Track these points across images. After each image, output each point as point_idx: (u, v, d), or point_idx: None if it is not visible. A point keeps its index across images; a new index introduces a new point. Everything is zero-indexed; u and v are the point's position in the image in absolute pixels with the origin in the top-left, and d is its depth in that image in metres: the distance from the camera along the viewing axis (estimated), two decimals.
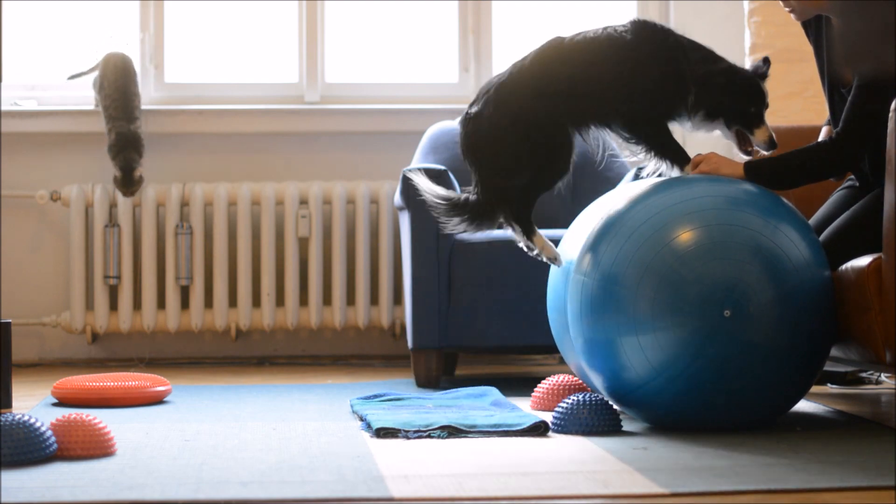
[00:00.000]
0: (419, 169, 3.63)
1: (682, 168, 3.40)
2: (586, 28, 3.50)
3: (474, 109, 3.41)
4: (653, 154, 3.41)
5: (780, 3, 3.52)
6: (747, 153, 3.41)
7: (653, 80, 3.38)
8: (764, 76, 3.44)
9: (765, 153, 3.41)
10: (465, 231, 3.45)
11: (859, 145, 3.33)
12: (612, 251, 3.21)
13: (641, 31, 3.43)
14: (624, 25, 3.46)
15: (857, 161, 3.40)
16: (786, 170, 3.38)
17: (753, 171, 3.36)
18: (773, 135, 3.40)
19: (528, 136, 3.35)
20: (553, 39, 3.45)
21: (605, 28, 3.47)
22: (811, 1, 3.43)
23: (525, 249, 3.47)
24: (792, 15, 3.52)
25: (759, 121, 3.40)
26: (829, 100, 3.54)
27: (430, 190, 3.45)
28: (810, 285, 3.17)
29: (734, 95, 3.38)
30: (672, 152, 3.40)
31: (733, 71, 3.42)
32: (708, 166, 3.38)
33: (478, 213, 3.40)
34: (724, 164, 3.38)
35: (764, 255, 3.14)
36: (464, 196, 3.43)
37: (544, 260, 3.45)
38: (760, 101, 3.40)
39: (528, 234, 3.43)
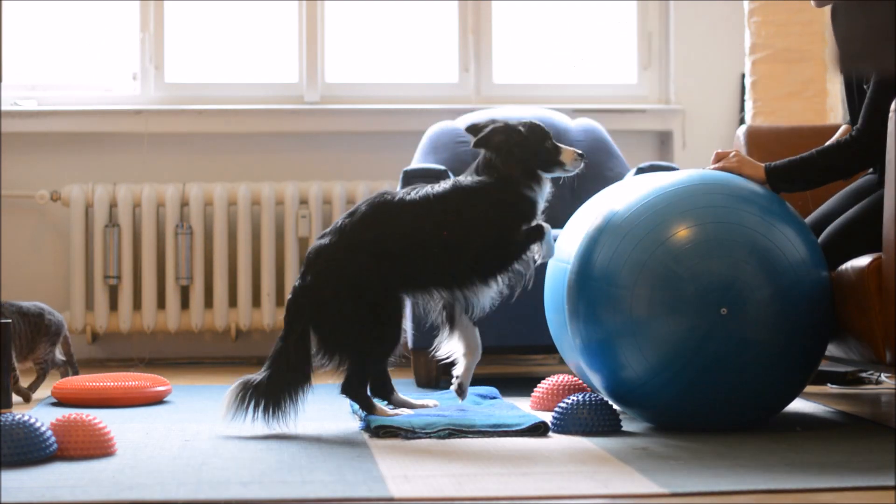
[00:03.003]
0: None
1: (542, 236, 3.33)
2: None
3: (309, 279, 3.29)
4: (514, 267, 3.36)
5: None
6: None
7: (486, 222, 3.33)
8: (507, 129, 3.39)
9: (578, 171, 3.39)
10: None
11: (879, 142, 3.30)
12: (608, 250, 3.21)
13: (457, 192, 3.35)
14: (440, 189, 3.37)
15: (878, 158, 3.37)
16: (807, 170, 3.38)
17: (774, 172, 3.36)
18: (575, 148, 3.42)
19: (360, 311, 3.28)
20: (376, 198, 3.36)
21: (424, 191, 3.37)
22: None
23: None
24: (812, 2, 3.53)
25: (557, 149, 3.38)
26: (849, 96, 3.54)
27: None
28: (807, 283, 3.17)
29: (526, 148, 3.35)
30: (529, 240, 3.34)
31: (508, 132, 3.36)
32: (730, 164, 3.39)
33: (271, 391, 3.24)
34: (745, 164, 3.38)
35: (760, 253, 3.14)
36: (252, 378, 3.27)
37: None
38: (546, 134, 3.38)
39: (369, 407, 3.34)
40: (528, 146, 3.36)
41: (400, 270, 3.30)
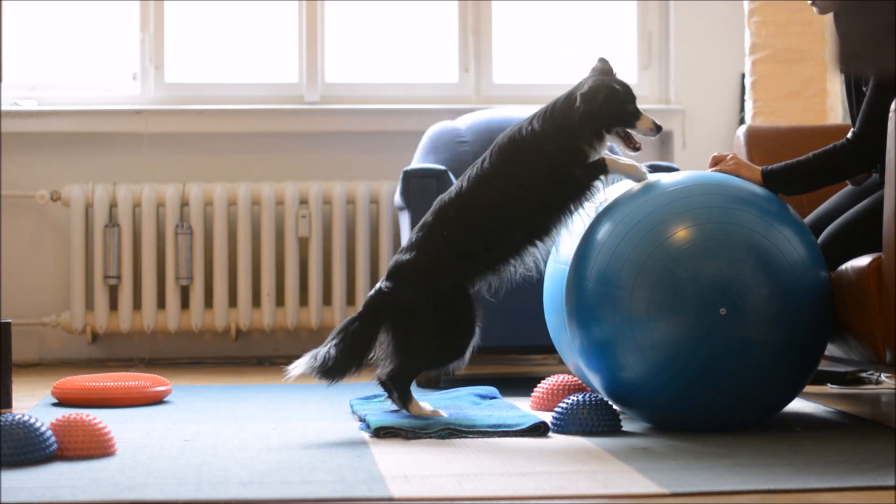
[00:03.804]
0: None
1: (605, 171, 3.36)
2: (456, 182, 3.48)
3: (386, 284, 3.40)
4: (582, 201, 3.39)
5: None
6: (635, 149, 3.40)
7: (555, 181, 3.36)
8: (609, 74, 3.39)
9: (651, 138, 3.41)
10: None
11: (878, 145, 3.30)
12: (607, 251, 3.21)
13: (502, 154, 3.40)
14: (486, 159, 3.43)
15: (876, 161, 3.37)
16: (803, 173, 3.38)
17: (771, 175, 3.36)
18: (655, 119, 3.39)
19: (436, 316, 3.37)
20: (438, 203, 3.45)
21: (469, 174, 3.43)
22: None
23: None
24: (814, 9, 3.53)
25: (637, 113, 3.37)
26: (849, 97, 3.54)
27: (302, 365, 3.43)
28: (806, 283, 3.17)
29: (607, 106, 3.34)
30: (589, 176, 3.36)
31: (591, 87, 3.35)
32: (728, 167, 3.39)
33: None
34: (743, 167, 3.38)
35: (759, 253, 3.14)
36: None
37: None
38: (630, 98, 3.37)
39: (406, 399, 3.40)
40: (613, 103, 3.35)
41: (476, 265, 3.40)
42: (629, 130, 3.38)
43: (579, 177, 3.34)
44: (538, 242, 3.42)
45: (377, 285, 3.44)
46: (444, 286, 3.38)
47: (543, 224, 3.40)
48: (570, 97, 3.38)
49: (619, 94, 3.35)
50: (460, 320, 3.39)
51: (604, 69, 3.42)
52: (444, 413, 3.41)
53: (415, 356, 3.39)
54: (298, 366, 3.39)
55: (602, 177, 3.35)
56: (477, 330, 3.41)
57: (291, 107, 5.18)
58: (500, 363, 5.09)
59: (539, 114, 3.43)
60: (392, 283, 3.40)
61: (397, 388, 3.41)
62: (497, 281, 3.45)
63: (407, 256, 3.42)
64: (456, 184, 3.47)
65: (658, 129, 3.38)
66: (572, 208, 3.37)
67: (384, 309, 3.38)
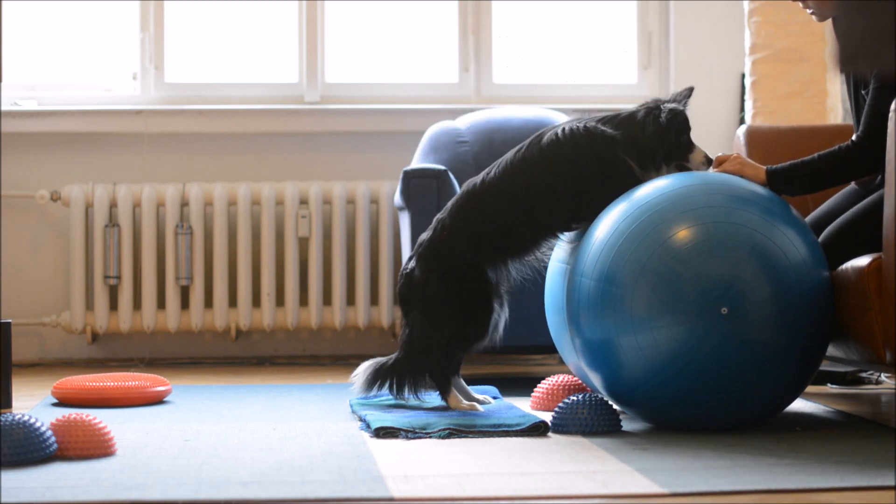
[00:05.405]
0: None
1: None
2: (499, 159, 3.55)
3: (410, 265, 3.53)
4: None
5: (800, 4, 3.52)
6: None
7: (591, 181, 3.42)
8: (679, 112, 3.45)
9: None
10: (395, 397, 3.58)
11: (879, 148, 3.30)
12: (609, 250, 3.21)
13: (550, 145, 3.46)
14: (523, 148, 3.49)
15: (880, 163, 3.37)
16: (807, 173, 3.38)
17: (775, 175, 3.36)
18: (706, 153, 3.45)
19: (452, 291, 3.47)
20: (467, 186, 3.53)
21: (513, 158, 3.49)
22: (826, 0, 3.43)
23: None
24: (813, 17, 3.53)
25: (689, 147, 3.44)
26: (851, 100, 3.53)
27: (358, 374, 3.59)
28: (807, 283, 3.17)
29: (662, 138, 3.40)
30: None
31: (651, 112, 3.43)
32: (732, 167, 3.39)
33: (401, 373, 3.54)
34: (747, 167, 3.39)
35: (761, 253, 3.14)
36: (385, 360, 3.58)
37: None
38: (685, 130, 3.44)
39: (446, 392, 3.51)
40: (662, 135, 3.41)
41: (495, 249, 3.47)
42: (684, 164, 3.44)
43: (615, 194, 3.35)
44: (560, 235, 3.49)
45: (402, 267, 3.56)
46: (461, 266, 3.46)
47: (567, 222, 3.46)
48: (649, 114, 3.42)
49: (688, 125, 3.45)
50: (476, 297, 3.47)
51: (681, 97, 3.49)
52: (480, 408, 3.50)
53: (433, 335, 3.48)
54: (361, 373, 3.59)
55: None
56: (496, 306, 3.49)
57: (291, 107, 5.18)
58: (500, 363, 5.09)
59: (597, 118, 3.47)
60: (413, 262, 3.52)
61: (435, 379, 3.51)
62: (517, 268, 3.51)
63: (428, 235, 3.53)
64: (488, 169, 3.53)
65: (709, 162, 3.44)
66: (597, 215, 3.38)
67: (412, 290, 3.51)
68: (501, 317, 3.54)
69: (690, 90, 3.54)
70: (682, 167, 3.44)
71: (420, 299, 3.50)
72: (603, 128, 3.44)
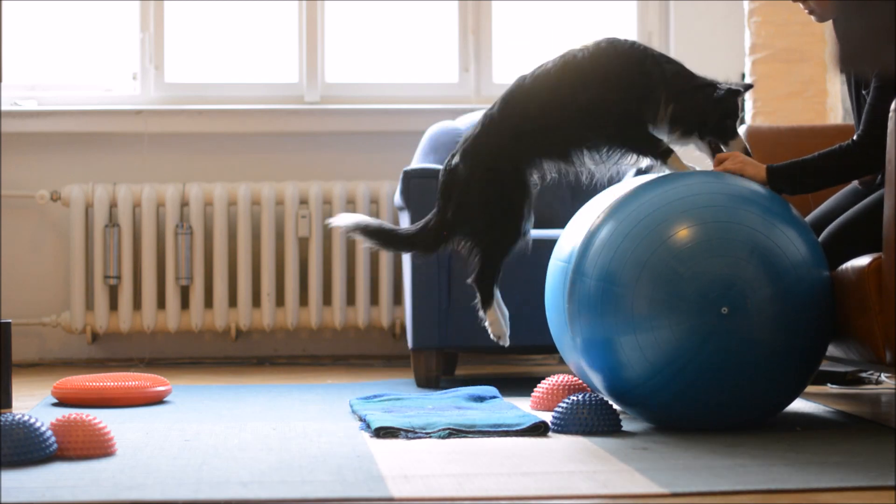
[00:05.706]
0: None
1: (665, 159, 3.41)
2: (552, 56, 3.55)
3: (455, 161, 3.52)
4: (636, 156, 3.45)
5: (800, 5, 3.52)
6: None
7: (624, 98, 3.43)
8: (739, 93, 3.44)
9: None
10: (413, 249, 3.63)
11: (880, 148, 3.29)
12: (609, 249, 3.21)
13: (605, 51, 3.48)
14: (584, 47, 3.51)
15: (880, 162, 3.37)
16: (810, 173, 3.38)
17: (776, 173, 3.36)
18: (748, 146, 3.43)
19: (494, 196, 3.47)
20: (516, 80, 3.54)
21: (562, 55, 3.51)
22: (826, 1, 3.43)
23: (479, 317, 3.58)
24: (812, 17, 3.53)
25: (734, 133, 3.43)
26: (852, 100, 3.53)
27: (352, 221, 3.59)
28: (808, 283, 3.17)
29: (713, 109, 3.40)
30: (654, 149, 3.42)
31: (711, 86, 3.43)
32: (733, 165, 3.39)
33: (426, 240, 3.56)
34: (748, 165, 3.38)
35: (761, 253, 3.14)
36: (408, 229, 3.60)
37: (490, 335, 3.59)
38: (735, 114, 3.44)
39: (486, 302, 3.53)
40: (716, 111, 3.41)
41: (538, 144, 3.47)
42: (721, 145, 3.43)
43: (642, 136, 3.39)
44: (585, 152, 3.47)
45: (446, 162, 3.55)
46: (503, 168, 3.46)
47: (589, 138, 3.44)
48: (710, 85, 3.43)
49: (738, 111, 3.44)
50: (513, 203, 3.47)
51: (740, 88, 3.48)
52: (506, 339, 3.57)
53: (472, 241, 3.49)
54: (349, 217, 3.58)
55: (656, 159, 3.42)
56: (525, 212, 3.49)
57: (291, 107, 5.18)
58: (500, 363, 5.09)
59: (668, 58, 3.51)
60: (458, 158, 3.51)
61: (479, 287, 3.52)
62: (554, 169, 3.51)
63: (472, 132, 3.52)
64: (543, 63, 3.52)
65: (748, 155, 3.44)
66: (616, 149, 3.42)
67: (453, 187, 3.50)
68: (530, 223, 3.54)
69: (749, 86, 3.54)
70: (716, 149, 3.43)
71: (461, 196, 3.49)
72: (665, 64, 3.46)
